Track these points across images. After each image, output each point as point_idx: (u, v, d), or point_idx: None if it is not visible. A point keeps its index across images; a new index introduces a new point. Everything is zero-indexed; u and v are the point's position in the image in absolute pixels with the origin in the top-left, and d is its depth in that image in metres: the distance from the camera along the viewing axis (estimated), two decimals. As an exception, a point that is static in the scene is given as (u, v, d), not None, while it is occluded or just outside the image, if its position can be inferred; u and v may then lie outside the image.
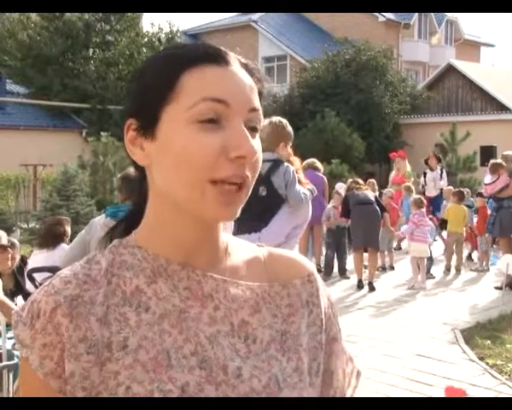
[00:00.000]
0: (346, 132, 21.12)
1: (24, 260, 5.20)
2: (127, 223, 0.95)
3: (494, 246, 10.11)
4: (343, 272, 9.13)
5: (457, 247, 9.61)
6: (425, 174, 12.29)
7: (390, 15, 30.47)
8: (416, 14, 31.31)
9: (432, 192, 11.91)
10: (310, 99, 23.24)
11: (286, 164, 4.18)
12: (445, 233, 10.37)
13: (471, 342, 5.93)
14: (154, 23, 35.44)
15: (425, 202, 9.15)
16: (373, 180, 11.54)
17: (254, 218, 3.81)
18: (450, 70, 25.76)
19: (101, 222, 3.89)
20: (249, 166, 0.84)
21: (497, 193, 8.58)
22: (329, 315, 0.97)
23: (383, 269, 9.65)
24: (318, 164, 9.40)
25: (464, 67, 25.79)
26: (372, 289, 8.23)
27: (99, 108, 21.69)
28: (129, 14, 23.48)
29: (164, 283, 0.87)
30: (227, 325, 0.87)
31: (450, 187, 11.69)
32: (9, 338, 3.91)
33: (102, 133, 14.36)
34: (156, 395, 0.81)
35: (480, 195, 10.02)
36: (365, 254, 8.65)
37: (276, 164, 4.13)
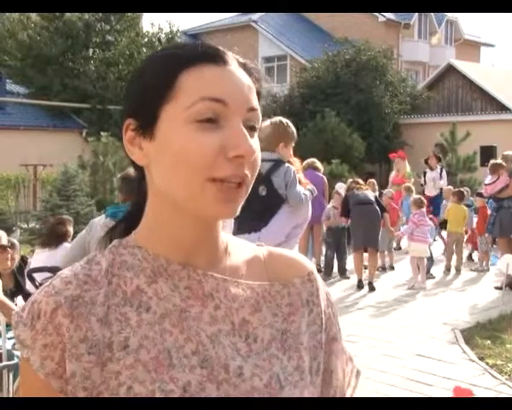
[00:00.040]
0: (346, 132, 21.12)
1: (24, 260, 5.20)
2: (126, 223, 0.96)
3: (494, 246, 10.11)
4: (343, 272, 9.14)
5: (457, 247, 9.61)
6: (425, 174, 12.30)
7: (390, 15, 30.47)
8: (416, 14, 31.31)
9: (431, 192, 11.91)
10: (310, 99, 23.24)
11: (287, 164, 4.17)
12: (444, 233, 10.38)
13: (471, 342, 5.93)
14: (154, 23, 35.47)
15: (425, 201, 9.15)
16: (373, 180, 11.54)
17: (254, 217, 3.81)
18: (451, 70, 25.76)
19: (101, 222, 3.89)
20: (248, 166, 0.84)
21: (497, 193, 8.58)
22: (329, 315, 0.97)
23: (383, 269, 9.65)
24: (318, 164, 9.41)
25: (464, 67, 25.80)
26: (372, 289, 8.23)
27: (99, 108, 21.70)
28: (129, 14, 23.48)
29: (164, 282, 0.87)
30: (228, 324, 0.88)
31: (450, 187, 11.69)
32: (9, 338, 3.91)
33: (102, 133, 14.36)
34: (158, 394, 0.81)
35: (480, 195, 10.01)
36: (365, 254, 8.65)
37: (276, 164, 4.13)
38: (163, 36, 23.84)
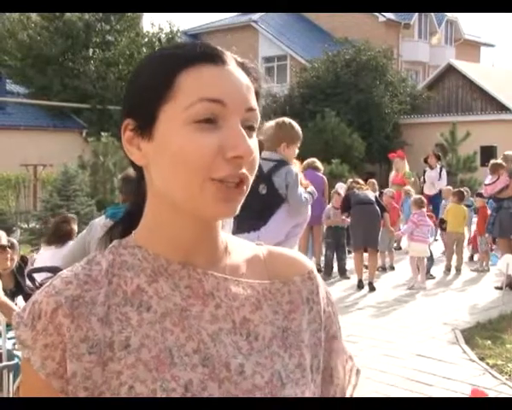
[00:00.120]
0: (346, 132, 21.14)
1: (24, 260, 5.20)
2: (126, 223, 0.96)
3: (495, 246, 10.11)
4: (343, 272, 9.14)
5: (458, 247, 9.61)
6: (424, 173, 12.30)
7: (390, 15, 30.48)
8: (416, 14, 31.32)
9: (431, 191, 11.90)
10: (310, 99, 23.26)
11: (289, 166, 4.17)
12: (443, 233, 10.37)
13: (471, 342, 5.93)
14: (155, 23, 35.33)
15: (425, 201, 9.15)
16: (373, 180, 11.54)
17: (254, 216, 3.81)
18: (451, 70, 25.77)
19: (101, 223, 3.90)
20: (247, 166, 0.84)
21: (497, 193, 8.57)
22: (329, 313, 0.98)
23: (383, 269, 9.65)
24: (318, 164, 9.40)
25: (464, 67, 25.81)
26: (372, 289, 8.23)
27: (99, 108, 21.70)
28: (129, 14, 23.48)
29: (165, 282, 0.87)
30: (229, 322, 0.88)
31: (450, 187, 11.69)
32: (10, 338, 3.91)
33: (102, 133, 14.37)
34: (159, 394, 0.81)
35: (480, 195, 10.02)
36: (365, 255, 8.65)
37: (278, 164, 4.13)
38: (163, 36, 23.84)
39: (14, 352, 3.92)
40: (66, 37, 22.03)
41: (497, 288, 8.19)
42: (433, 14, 32.01)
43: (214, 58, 0.85)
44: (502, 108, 23.41)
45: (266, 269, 0.95)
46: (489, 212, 9.41)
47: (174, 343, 0.84)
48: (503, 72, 28.03)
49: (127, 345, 0.83)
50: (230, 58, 0.87)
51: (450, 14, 33.41)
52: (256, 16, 30.43)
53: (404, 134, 24.57)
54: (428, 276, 8.85)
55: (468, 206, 10.25)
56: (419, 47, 31.91)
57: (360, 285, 8.37)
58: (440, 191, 11.86)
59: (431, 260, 9.05)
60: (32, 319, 0.84)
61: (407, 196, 11.14)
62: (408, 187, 11.63)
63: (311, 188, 4.43)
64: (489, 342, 5.86)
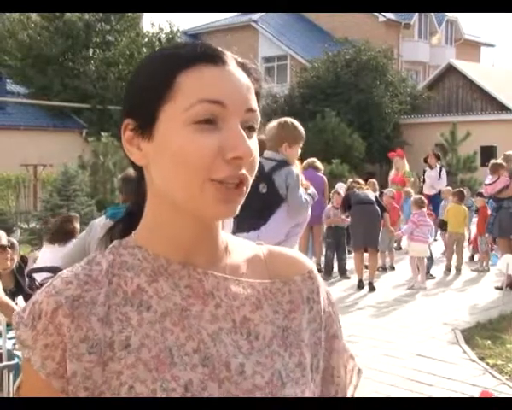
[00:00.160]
0: (347, 132, 21.14)
1: (24, 260, 5.20)
2: (126, 224, 0.96)
3: (495, 246, 10.11)
4: (343, 272, 9.14)
5: (458, 247, 9.61)
6: (424, 172, 12.29)
7: (390, 15, 30.48)
8: (417, 14, 31.31)
9: (430, 190, 11.90)
10: (310, 99, 23.26)
11: (290, 166, 4.17)
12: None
13: (471, 342, 5.93)
14: (155, 23, 35.29)
15: (425, 201, 9.15)
16: (373, 180, 11.54)
17: (253, 215, 3.80)
18: (451, 70, 25.77)
19: (101, 223, 3.90)
20: (246, 166, 0.84)
21: (497, 193, 8.57)
22: (329, 313, 0.98)
23: (383, 269, 9.65)
24: (318, 163, 9.40)
25: (464, 67, 25.81)
26: (372, 289, 8.23)
27: (99, 108, 21.70)
28: (129, 14, 23.48)
29: (165, 281, 0.87)
30: (229, 322, 0.88)
31: (449, 188, 11.69)
32: (10, 338, 3.91)
33: (103, 133, 14.37)
34: (159, 393, 0.81)
35: (481, 195, 10.02)
36: (366, 255, 8.65)
37: (280, 164, 4.13)
38: (163, 36, 23.84)
39: (15, 352, 3.92)
40: (67, 37, 22.03)
41: (497, 288, 8.19)
42: (433, 14, 32.01)
43: (215, 58, 0.85)
44: (502, 108, 23.41)
45: (267, 269, 0.95)
46: (489, 212, 9.41)
47: (174, 343, 0.84)
48: (503, 72, 28.03)
49: (127, 345, 0.83)
50: (231, 58, 0.87)
51: (450, 14, 33.41)
52: (256, 16, 30.43)
53: (405, 134, 24.57)
54: (428, 276, 8.85)
55: (467, 207, 10.24)
56: (419, 47, 31.91)
57: (360, 285, 8.37)
58: (440, 191, 11.87)
59: (430, 260, 9.05)
60: (32, 319, 0.84)
61: (407, 197, 11.15)
62: (408, 188, 11.62)
63: (311, 190, 4.43)
64: (489, 342, 5.86)
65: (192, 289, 0.88)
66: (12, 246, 4.66)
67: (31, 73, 21.77)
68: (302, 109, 22.63)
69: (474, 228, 10.83)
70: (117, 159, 13.63)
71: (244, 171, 0.84)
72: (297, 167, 4.38)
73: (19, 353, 3.75)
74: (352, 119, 22.29)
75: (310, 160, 9.24)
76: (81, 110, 22.13)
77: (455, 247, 9.59)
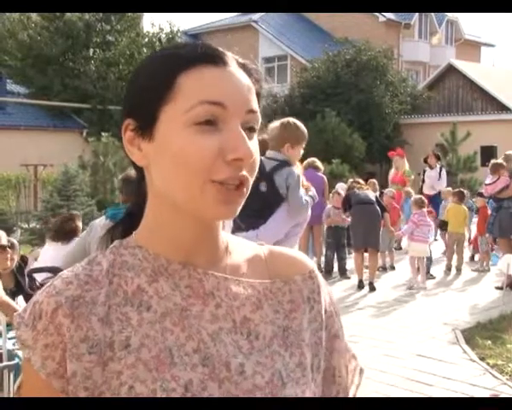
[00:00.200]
0: (347, 132, 21.14)
1: (24, 260, 5.20)
2: (126, 224, 0.96)
3: (495, 246, 10.10)
4: (343, 272, 9.14)
5: (458, 247, 9.61)
6: (424, 172, 12.29)
7: (390, 15, 30.48)
8: (417, 14, 31.32)
9: (430, 190, 11.90)
10: (310, 99, 23.26)
11: (291, 167, 4.16)
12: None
13: (472, 342, 5.93)
14: (155, 23, 35.34)
15: (426, 201, 9.15)
16: (374, 180, 11.54)
17: (253, 214, 3.80)
18: (451, 70, 25.77)
19: (101, 224, 3.90)
20: (247, 168, 0.84)
21: (498, 193, 8.57)
22: (330, 313, 0.98)
23: (384, 269, 9.65)
24: (319, 163, 9.40)
25: (464, 67, 25.80)
26: (372, 289, 8.23)
27: (99, 108, 21.70)
28: (129, 14, 23.49)
29: (165, 281, 0.87)
30: (229, 322, 0.88)
31: (449, 188, 11.69)
32: (10, 338, 3.92)
33: (103, 133, 14.38)
34: (159, 393, 0.81)
35: (481, 195, 10.02)
36: (366, 255, 8.65)
37: (281, 164, 4.13)
38: (163, 36, 23.85)
39: (15, 352, 3.92)
40: (67, 37, 22.04)
41: (497, 288, 8.19)
42: (433, 14, 32.01)
43: (215, 59, 0.84)
44: (502, 107, 23.41)
45: (267, 268, 0.95)
46: (489, 212, 9.41)
47: (174, 343, 0.84)
48: (503, 72, 28.03)
49: (127, 345, 0.83)
50: (231, 59, 0.87)
51: (450, 14, 33.41)
52: (256, 16, 30.43)
53: (405, 134, 24.57)
54: (428, 276, 8.85)
55: (467, 208, 10.24)
56: (419, 47, 31.91)
57: (360, 285, 8.37)
58: (439, 191, 11.87)
59: (429, 259, 9.04)
60: (32, 320, 0.84)
61: (407, 197, 11.15)
62: (408, 188, 11.62)
63: (312, 191, 4.43)
64: (489, 342, 5.86)
65: (192, 290, 0.88)
66: (12, 246, 4.66)
67: (31, 73, 21.78)
68: (302, 109, 22.62)
69: (474, 228, 10.84)
70: (117, 159, 13.64)
71: (244, 172, 0.83)
72: (298, 168, 4.38)
73: (19, 353, 3.75)
74: (352, 119, 22.29)
75: (310, 160, 9.23)
76: (81, 110, 22.13)
77: (455, 247, 9.59)
